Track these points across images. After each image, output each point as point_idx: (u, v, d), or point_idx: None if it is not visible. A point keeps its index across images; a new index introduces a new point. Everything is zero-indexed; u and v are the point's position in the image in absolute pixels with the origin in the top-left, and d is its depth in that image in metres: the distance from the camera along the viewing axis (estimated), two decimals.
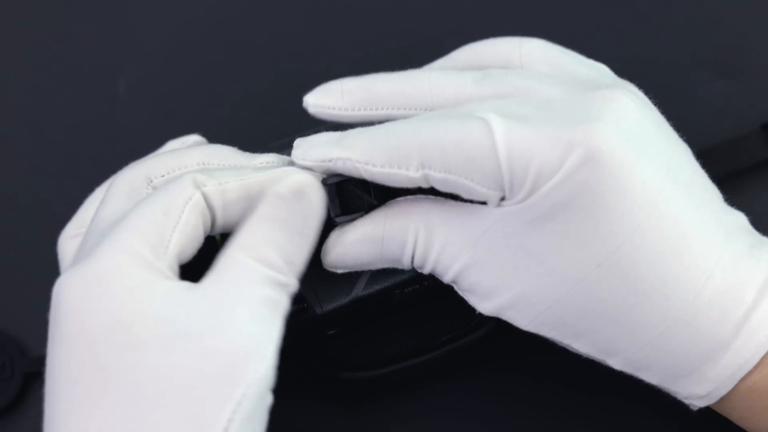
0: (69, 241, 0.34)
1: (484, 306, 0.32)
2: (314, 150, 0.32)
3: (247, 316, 0.28)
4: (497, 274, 0.31)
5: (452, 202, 0.32)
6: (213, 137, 0.46)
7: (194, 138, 0.37)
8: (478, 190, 0.30)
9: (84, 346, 0.27)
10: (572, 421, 0.39)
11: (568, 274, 0.30)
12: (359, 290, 0.35)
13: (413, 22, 0.48)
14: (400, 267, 0.33)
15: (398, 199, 0.32)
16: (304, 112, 0.44)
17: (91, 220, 0.31)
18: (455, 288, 0.33)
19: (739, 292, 0.30)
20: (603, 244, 0.29)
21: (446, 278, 0.33)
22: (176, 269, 0.29)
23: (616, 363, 0.32)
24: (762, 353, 0.30)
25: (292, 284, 0.30)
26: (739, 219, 0.32)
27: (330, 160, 0.31)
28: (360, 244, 0.32)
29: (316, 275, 0.34)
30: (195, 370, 0.26)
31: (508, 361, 0.40)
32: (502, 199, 0.30)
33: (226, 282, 0.28)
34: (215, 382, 0.26)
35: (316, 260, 0.35)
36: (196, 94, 0.47)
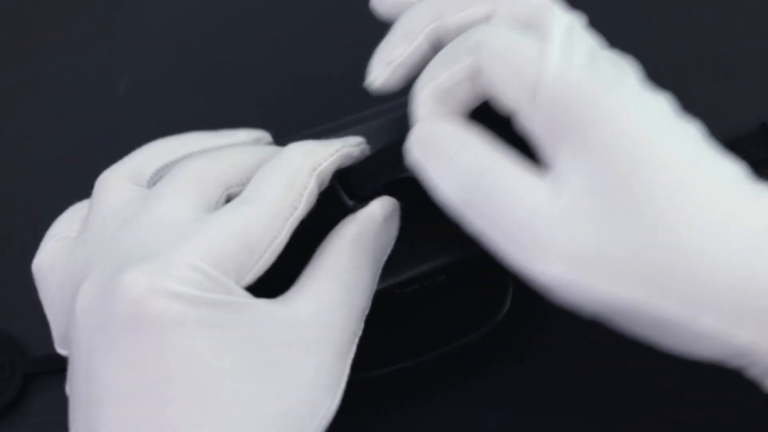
0: (53, 241, 0.33)
1: (556, 271, 0.27)
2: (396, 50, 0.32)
3: (328, 352, 0.29)
4: (575, 227, 0.27)
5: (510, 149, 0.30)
6: None
7: (257, 134, 0.37)
8: (511, 95, 0.29)
9: (148, 377, 0.26)
10: (575, 421, 0.39)
11: (640, 222, 0.27)
12: None
13: None
14: None
15: None
16: (304, 113, 0.44)
17: (140, 210, 0.30)
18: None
19: None
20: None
21: (490, 226, 0.30)
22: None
23: (711, 320, 0.27)
24: None
25: (367, 309, 0.31)
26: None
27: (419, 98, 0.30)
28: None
29: None
30: (250, 424, 0.27)
31: (509, 361, 0.40)
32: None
33: (311, 309, 0.29)
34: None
35: None
36: (196, 94, 0.47)
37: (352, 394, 0.40)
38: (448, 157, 0.29)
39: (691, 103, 0.46)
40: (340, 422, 0.40)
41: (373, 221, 0.31)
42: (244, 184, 0.31)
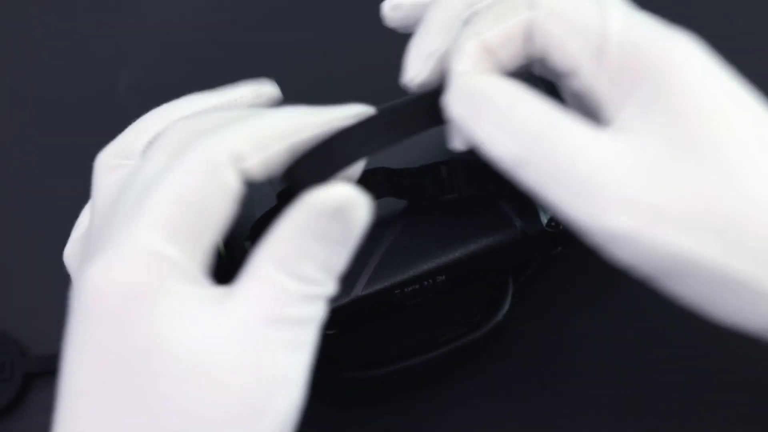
0: (78, 230, 0.32)
1: (626, 221, 0.26)
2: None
3: (278, 344, 0.26)
4: (647, 173, 0.26)
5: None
6: None
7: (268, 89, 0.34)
8: (572, 51, 0.28)
9: (111, 367, 0.25)
10: (574, 420, 0.39)
11: (710, 160, 0.26)
12: (359, 290, 0.35)
13: None
14: None
15: None
16: None
17: (124, 185, 0.28)
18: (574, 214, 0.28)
19: None
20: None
21: (548, 177, 0.28)
22: (207, 263, 0.27)
23: (760, 268, 0.26)
24: None
25: (331, 289, 0.27)
26: None
27: (459, 52, 0.29)
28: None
29: None
30: (217, 404, 0.25)
31: (509, 361, 0.40)
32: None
33: (257, 302, 0.26)
34: (238, 418, 0.25)
35: None
36: (196, 92, 0.47)
37: (352, 393, 0.40)
38: (501, 112, 0.27)
39: None
40: (340, 422, 0.40)
41: (318, 211, 0.26)
42: (261, 148, 0.27)
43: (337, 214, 0.26)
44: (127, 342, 0.25)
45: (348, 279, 0.36)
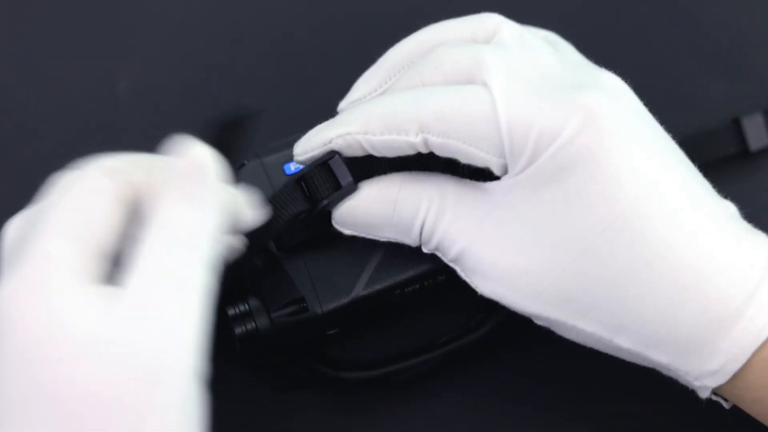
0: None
1: (487, 286, 0.32)
2: (312, 139, 0.32)
3: (170, 313, 0.26)
4: (503, 249, 0.31)
5: (464, 180, 0.32)
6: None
7: None
8: (477, 155, 0.30)
9: (15, 360, 0.26)
10: (573, 421, 0.39)
11: (573, 242, 0.30)
12: (359, 290, 0.35)
13: (414, 21, 0.48)
14: (406, 238, 0.33)
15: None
16: (304, 112, 0.44)
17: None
18: (457, 270, 0.33)
19: (746, 263, 0.29)
20: (607, 208, 0.29)
21: (450, 254, 0.32)
22: (102, 265, 0.27)
23: (625, 341, 0.31)
24: None
25: (215, 253, 0.27)
26: (730, 207, 0.32)
27: (330, 141, 0.32)
28: (374, 201, 0.32)
29: (316, 275, 0.34)
30: (114, 380, 0.25)
31: (509, 361, 0.40)
32: (505, 172, 0.31)
33: (146, 278, 0.26)
34: (135, 390, 0.25)
35: (315, 260, 0.35)
36: (196, 94, 0.47)
37: (352, 393, 0.40)
38: (389, 219, 0.32)
39: (691, 102, 0.46)
40: (340, 422, 0.40)
41: (183, 174, 0.28)
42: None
43: (198, 171, 0.28)
44: (31, 331, 0.26)
45: (348, 279, 0.36)
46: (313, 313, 0.35)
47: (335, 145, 0.32)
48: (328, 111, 0.39)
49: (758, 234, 0.31)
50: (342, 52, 0.48)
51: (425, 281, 0.36)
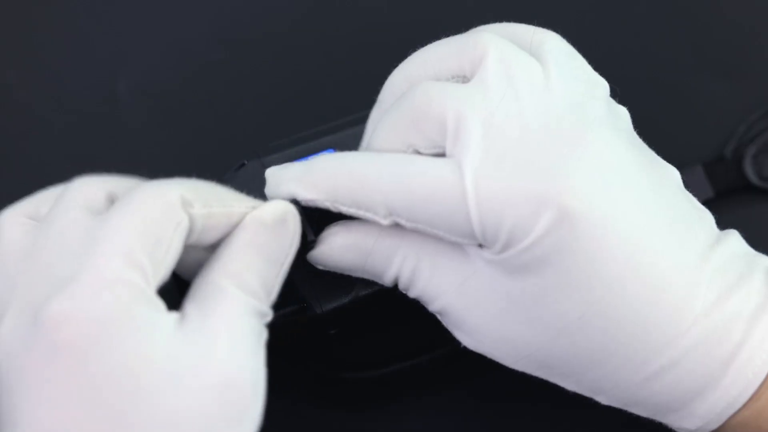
0: (13, 224, 0.30)
1: (468, 342, 0.32)
2: (282, 188, 0.31)
3: (242, 350, 0.27)
4: (482, 317, 0.31)
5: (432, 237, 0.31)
6: (213, 137, 0.46)
7: None
8: (450, 239, 0.30)
9: (90, 393, 0.25)
10: (574, 421, 0.39)
11: (550, 325, 0.30)
12: (359, 290, 0.35)
13: (413, 20, 0.48)
14: (380, 282, 0.33)
15: None
16: (303, 112, 0.44)
17: (40, 235, 0.28)
18: (439, 318, 0.33)
19: (725, 329, 0.29)
20: (583, 296, 0.29)
21: (431, 308, 0.33)
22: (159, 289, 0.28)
23: (603, 400, 0.32)
24: (751, 391, 0.30)
25: (269, 315, 0.30)
26: (730, 246, 0.31)
27: (294, 198, 0.31)
28: (346, 250, 0.32)
29: (316, 275, 0.34)
30: (202, 412, 0.26)
31: None
32: (481, 245, 0.30)
33: (217, 313, 0.27)
34: (222, 423, 0.26)
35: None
36: (196, 94, 0.47)
37: (352, 393, 0.40)
38: (367, 262, 0.32)
39: (691, 103, 0.46)
40: (340, 421, 0.40)
41: (260, 226, 0.30)
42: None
43: (278, 225, 0.30)
44: (104, 366, 0.25)
45: (348, 279, 0.36)
46: (314, 313, 0.35)
47: (304, 204, 0.31)
48: (327, 113, 0.39)
49: (754, 272, 0.30)
50: (342, 52, 0.48)
51: None
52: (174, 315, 0.27)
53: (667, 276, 0.29)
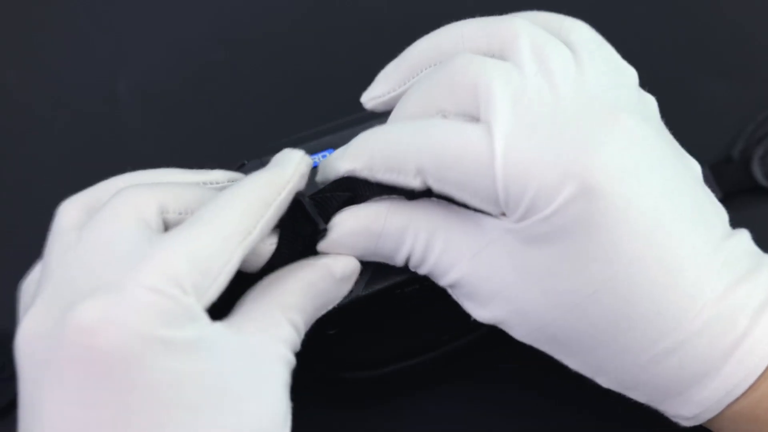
0: (69, 213, 0.30)
1: (480, 314, 0.32)
2: (328, 168, 0.32)
3: (281, 383, 0.28)
4: (496, 287, 0.31)
5: (457, 208, 0.32)
6: (213, 137, 0.46)
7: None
8: (473, 203, 0.30)
9: (125, 404, 0.25)
10: (574, 420, 0.39)
11: (564, 298, 0.30)
12: (359, 290, 0.35)
13: (413, 20, 0.48)
14: (392, 263, 0.33)
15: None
16: (303, 112, 0.44)
17: (80, 238, 0.28)
18: (450, 292, 0.33)
19: (730, 320, 0.30)
20: (600, 270, 0.29)
21: (442, 282, 0.33)
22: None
23: (604, 381, 0.32)
24: (750, 380, 0.30)
25: (298, 343, 0.31)
26: (741, 242, 0.31)
27: (340, 174, 0.32)
28: (357, 234, 0.32)
29: None
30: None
31: (510, 361, 0.40)
32: (503, 214, 0.30)
33: (264, 339, 0.29)
34: None
35: None
36: (196, 94, 0.47)
37: (352, 393, 0.40)
38: (380, 243, 0.32)
39: (691, 103, 0.46)
40: (340, 421, 0.40)
41: (329, 275, 0.31)
42: (182, 212, 0.30)
43: (343, 280, 0.32)
44: (144, 379, 0.25)
45: None
46: None
47: (348, 178, 0.32)
48: (327, 113, 0.39)
49: (760, 272, 0.31)
50: (342, 51, 0.48)
51: (425, 281, 0.36)
52: (221, 330, 0.28)
53: (684, 260, 0.29)
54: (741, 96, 0.46)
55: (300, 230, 0.32)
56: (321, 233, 0.32)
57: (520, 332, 0.32)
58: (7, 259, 0.44)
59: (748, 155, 0.44)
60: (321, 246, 0.32)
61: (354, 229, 0.32)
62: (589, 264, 0.29)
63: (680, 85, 0.46)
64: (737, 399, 0.30)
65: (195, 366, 0.26)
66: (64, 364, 0.25)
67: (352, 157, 0.31)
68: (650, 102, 0.33)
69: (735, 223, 0.33)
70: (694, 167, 0.33)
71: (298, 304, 0.30)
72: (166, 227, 0.29)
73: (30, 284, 0.31)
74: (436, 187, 0.30)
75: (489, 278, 0.31)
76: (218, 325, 0.27)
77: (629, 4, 0.48)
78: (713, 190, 0.43)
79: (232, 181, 0.33)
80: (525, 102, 0.30)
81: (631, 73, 0.33)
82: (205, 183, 0.32)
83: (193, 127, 0.46)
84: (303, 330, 0.31)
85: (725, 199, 0.43)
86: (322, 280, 0.31)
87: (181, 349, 0.26)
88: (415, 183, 0.30)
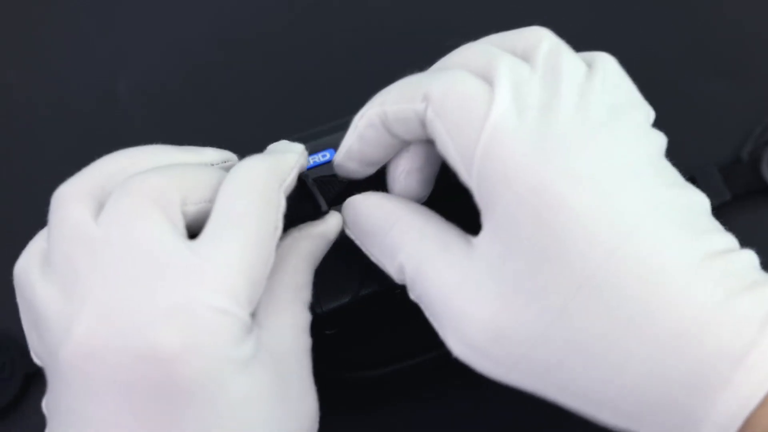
0: (78, 203, 0.29)
1: (461, 350, 0.30)
2: (350, 131, 0.33)
3: (310, 374, 0.30)
4: (479, 305, 0.29)
5: (442, 224, 0.31)
6: (213, 137, 0.46)
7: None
8: (452, 155, 0.30)
9: (220, 427, 0.26)
10: (576, 418, 0.39)
11: (549, 302, 0.28)
12: (359, 290, 0.35)
13: (414, 21, 0.48)
14: (390, 272, 0.33)
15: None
16: (303, 112, 0.44)
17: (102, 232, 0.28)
18: (435, 327, 0.31)
19: (734, 328, 0.27)
20: (582, 263, 0.27)
21: (424, 307, 0.32)
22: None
23: (609, 416, 0.29)
24: (765, 391, 0.26)
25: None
26: (747, 256, 0.29)
27: (362, 116, 0.32)
28: (379, 208, 0.33)
29: (316, 275, 0.34)
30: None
31: None
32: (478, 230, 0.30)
33: (290, 336, 0.30)
34: None
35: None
36: (196, 94, 0.47)
37: (352, 393, 0.40)
38: (377, 242, 0.32)
39: (691, 103, 0.46)
40: (340, 421, 0.40)
41: (326, 242, 0.33)
42: (198, 202, 0.29)
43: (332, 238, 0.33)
44: (225, 401, 0.26)
45: (348, 279, 0.36)
46: (314, 312, 0.35)
47: (363, 122, 0.32)
48: (327, 113, 0.39)
49: (765, 281, 0.28)
50: (341, 52, 0.48)
51: None
52: (261, 336, 0.29)
53: (670, 263, 0.27)
54: (743, 97, 0.46)
55: (301, 211, 0.32)
56: (322, 215, 0.33)
57: (502, 368, 0.29)
58: (7, 259, 0.44)
59: (757, 157, 0.44)
60: (346, 202, 0.33)
61: (379, 202, 0.33)
62: (570, 258, 0.28)
63: (679, 85, 0.46)
64: (754, 412, 0.26)
65: (261, 379, 0.27)
66: (139, 387, 0.26)
67: (370, 103, 0.32)
68: (656, 139, 0.31)
69: (744, 226, 0.32)
70: (701, 200, 0.30)
71: (306, 281, 0.31)
72: (185, 217, 0.29)
73: (30, 269, 0.29)
74: (431, 117, 0.30)
75: (473, 294, 0.29)
76: (257, 329, 0.28)
77: (629, 4, 0.48)
78: (722, 192, 0.43)
79: (226, 161, 0.33)
80: (524, 90, 0.30)
81: (645, 111, 0.31)
82: (205, 164, 0.32)
83: (192, 127, 0.46)
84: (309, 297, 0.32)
85: (734, 200, 0.43)
86: (320, 249, 0.32)
87: (248, 364, 0.27)
88: (419, 107, 0.30)
